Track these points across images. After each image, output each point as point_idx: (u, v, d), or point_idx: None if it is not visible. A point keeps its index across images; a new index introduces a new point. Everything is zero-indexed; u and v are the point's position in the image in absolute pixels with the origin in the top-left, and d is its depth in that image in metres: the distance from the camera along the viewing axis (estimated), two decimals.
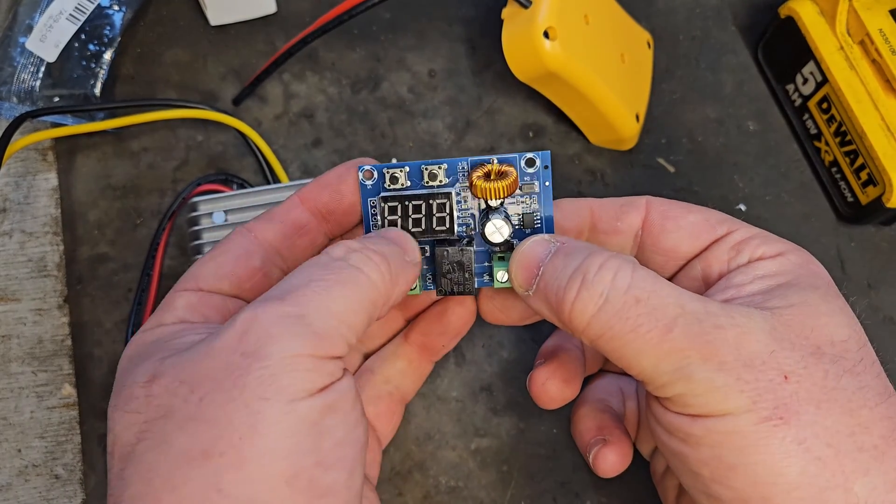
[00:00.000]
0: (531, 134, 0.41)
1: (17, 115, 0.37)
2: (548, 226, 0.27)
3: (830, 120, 0.39)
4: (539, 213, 0.27)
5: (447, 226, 0.26)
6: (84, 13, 0.39)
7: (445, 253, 0.27)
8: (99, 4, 0.39)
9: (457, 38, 0.42)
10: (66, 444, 0.35)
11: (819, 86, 0.39)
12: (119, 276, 0.37)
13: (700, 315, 0.23)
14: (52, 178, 0.39)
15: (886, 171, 0.36)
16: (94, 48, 0.39)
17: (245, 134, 0.38)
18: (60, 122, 0.39)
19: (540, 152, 0.27)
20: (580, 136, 0.41)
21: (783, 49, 0.41)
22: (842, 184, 0.40)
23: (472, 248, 0.27)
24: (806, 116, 0.41)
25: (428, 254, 0.27)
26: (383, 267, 0.23)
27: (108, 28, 0.40)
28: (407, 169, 0.27)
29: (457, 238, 0.27)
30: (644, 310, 0.23)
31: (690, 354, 0.22)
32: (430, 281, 0.28)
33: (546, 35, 0.34)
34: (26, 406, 0.35)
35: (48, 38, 0.38)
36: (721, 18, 0.44)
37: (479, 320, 0.37)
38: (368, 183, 0.27)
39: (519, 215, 0.27)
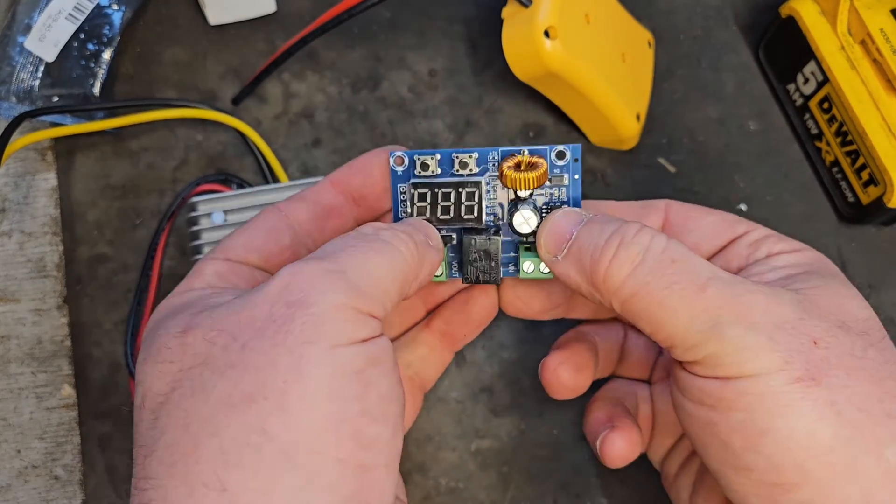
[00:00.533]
0: (532, 134, 0.41)
1: (16, 114, 0.37)
2: None
3: (831, 120, 0.39)
4: (568, 205, 0.27)
5: (475, 214, 0.27)
6: (83, 12, 0.39)
7: (473, 241, 0.27)
8: (98, 4, 0.39)
9: (457, 37, 0.42)
10: (66, 445, 0.35)
11: (820, 85, 0.39)
12: (118, 277, 0.37)
13: (732, 280, 0.23)
14: (51, 178, 0.39)
15: (887, 171, 0.36)
16: (94, 47, 0.39)
17: (244, 134, 0.38)
18: (59, 122, 0.39)
19: (570, 145, 0.27)
20: (581, 136, 0.41)
21: (784, 49, 0.41)
22: (843, 184, 0.39)
23: (499, 238, 0.27)
24: (807, 116, 0.40)
25: (455, 241, 0.27)
26: (411, 245, 0.24)
27: (108, 27, 0.39)
28: (438, 156, 0.27)
29: (484, 227, 0.27)
30: (679, 269, 0.23)
31: (723, 313, 0.22)
32: (455, 269, 0.28)
33: (546, 34, 0.34)
34: (26, 407, 0.35)
35: (47, 37, 0.38)
36: (722, 18, 0.44)
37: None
38: (399, 169, 0.27)
39: (547, 207, 0.27)
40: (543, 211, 0.27)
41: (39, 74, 0.38)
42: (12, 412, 0.35)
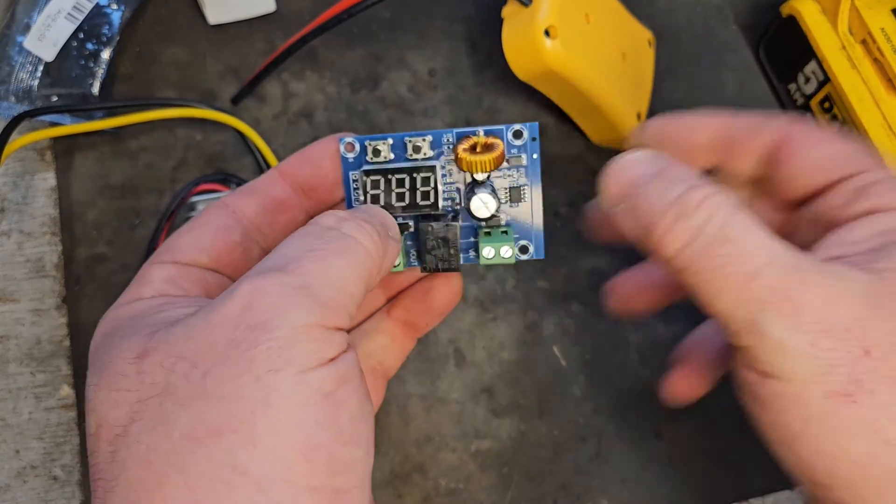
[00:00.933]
0: None
1: (15, 114, 0.37)
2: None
3: (832, 119, 0.39)
4: (527, 187, 0.26)
5: (432, 200, 0.26)
6: (82, 12, 0.39)
7: (430, 228, 0.26)
8: (97, 3, 0.39)
9: (457, 36, 0.42)
10: (65, 446, 0.35)
11: (821, 85, 0.39)
12: (117, 277, 0.37)
13: (788, 268, 0.21)
14: (50, 178, 0.39)
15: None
16: (93, 47, 0.39)
17: (244, 133, 0.38)
18: (58, 122, 0.39)
19: (528, 123, 0.26)
20: (581, 136, 0.40)
21: (785, 48, 0.41)
22: None
23: (457, 224, 0.26)
24: (808, 116, 0.40)
25: (412, 229, 0.26)
26: (375, 237, 0.23)
27: (107, 27, 0.39)
28: (390, 141, 0.26)
29: (442, 213, 0.26)
30: (732, 250, 0.21)
31: (768, 307, 0.21)
32: (413, 257, 0.27)
33: (546, 34, 0.34)
34: (24, 407, 0.35)
35: (46, 36, 0.38)
36: (723, 17, 0.44)
37: (477, 320, 0.37)
38: (350, 156, 0.26)
39: (506, 189, 0.26)
40: (502, 200, 0.26)
41: (38, 74, 0.38)
42: (11, 412, 0.35)
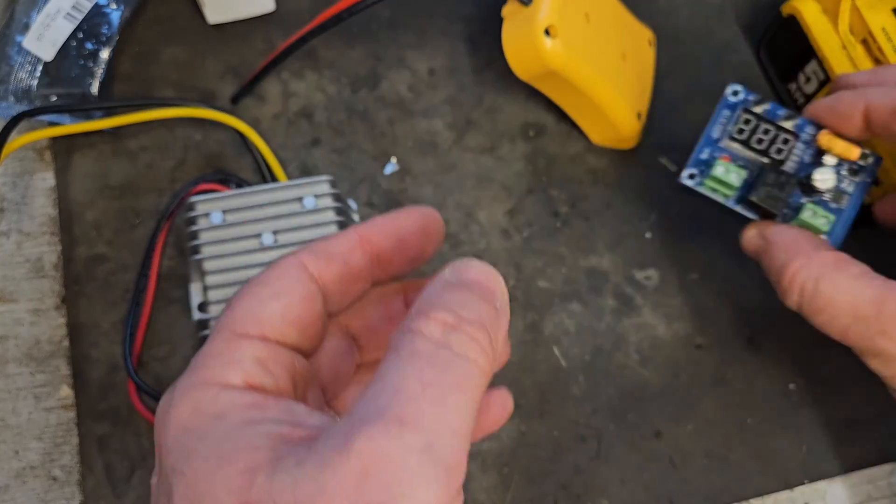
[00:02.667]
0: (532, 133, 0.41)
1: (14, 114, 0.37)
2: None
3: None
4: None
5: (783, 157, 0.32)
6: (81, 12, 0.39)
7: (777, 172, 0.32)
8: (96, 3, 0.39)
9: (457, 36, 0.42)
10: (64, 446, 0.35)
11: (822, 84, 0.39)
12: (117, 277, 0.37)
13: (871, 321, 0.28)
14: (49, 178, 0.39)
15: (889, 172, 0.36)
16: (92, 47, 0.39)
17: (243, 133, 0.38)
18: (58, 122, 0.39)
19: (874, 157, 0.33)
20: (581, 136, 0.40)
21: (785, 48, 0.41)
22: None
23: (795, 180, 0.32)
24: None
25: (740, 179, 0.32)
26: (486, 343, 0.20)
27: (106, 27, 0.39)
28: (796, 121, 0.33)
29: (784, 171, 0.32)
30: (826, 318, 0.29)
31: (863, 351, 0.29)
32: (736, 198, 0.33)
33: (547, 33, 0.34)
34: (24, 407, 0.35)
35: (45, 36, 0.38)
36: (723, 17, 0.44)
37: None
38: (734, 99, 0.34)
39: (831, 189, 0.32)
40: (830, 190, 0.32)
41: (38, 74, 0.38)
42: (10, 413, 0.35)
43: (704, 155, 0.33)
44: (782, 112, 0.33)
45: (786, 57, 0.41)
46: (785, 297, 0.30)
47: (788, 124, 0.33)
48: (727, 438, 0.36)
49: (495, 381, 0.37)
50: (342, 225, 0.35)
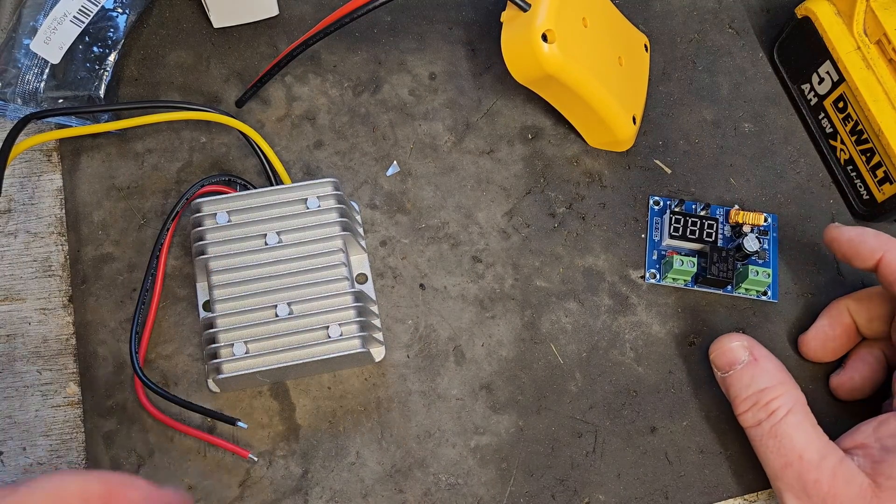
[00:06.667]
0: (530, 136, 0.41)
1: (21, 116, 0.37)
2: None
3: (846, 119, 0.39)
4: (766, 251, 0.39)
5: (713, 239, 0.39)
6: (88, 15, 0.39)
7: (717, 251, 0.38)
8: (103, 7, 0.39)
9: (457, 40, 0.43)
10: (71, 443, 0.35)
11: (835, 85, 0.39)
12: (123, 276, 0.38)
13: (811, 467, 0.31)
14: (56, 179, 0.39)
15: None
16: (98, 50, 0.39)
17: (248, 136, 0.38)
18: (65, 124, 0.39)
19: (772, 216, 0.40)
20: (578, 139, 0.41)
21: (799, 49, 0.41)
22: (857, 182, 0.40)
23: (733, 255, 0.39)
24: (822, 115, 0.41)
25: (693, 266, 0.38)
26: None
27: (112, 30, 0.40)
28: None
29: (720, 247, 0.39)
30: (774, 446, 0.32)
31: (787, 490, 0.32)
32: (689, 281, 0.39)
33: (544, 38, 0.35)
34: (31, 405, 0.36)
35: (52, 40, 0.38)
36: (718, 21, 0.44)
37: (477, 318, 0.38)
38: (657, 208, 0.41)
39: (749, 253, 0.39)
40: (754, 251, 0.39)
41: (45, 77, 0.39)
42: (18, 410, 0.36)
43: (654, 256, 0.40)
44: (697, 205, 0.40)
45: (799, 58, 0.41)
46: (740, 416, 0.34)
47: (705, 213, 0.40)
48: (721, 434, 0.37)
49: (493, 381, 0.38)
50: (345, 226, 0.35)
